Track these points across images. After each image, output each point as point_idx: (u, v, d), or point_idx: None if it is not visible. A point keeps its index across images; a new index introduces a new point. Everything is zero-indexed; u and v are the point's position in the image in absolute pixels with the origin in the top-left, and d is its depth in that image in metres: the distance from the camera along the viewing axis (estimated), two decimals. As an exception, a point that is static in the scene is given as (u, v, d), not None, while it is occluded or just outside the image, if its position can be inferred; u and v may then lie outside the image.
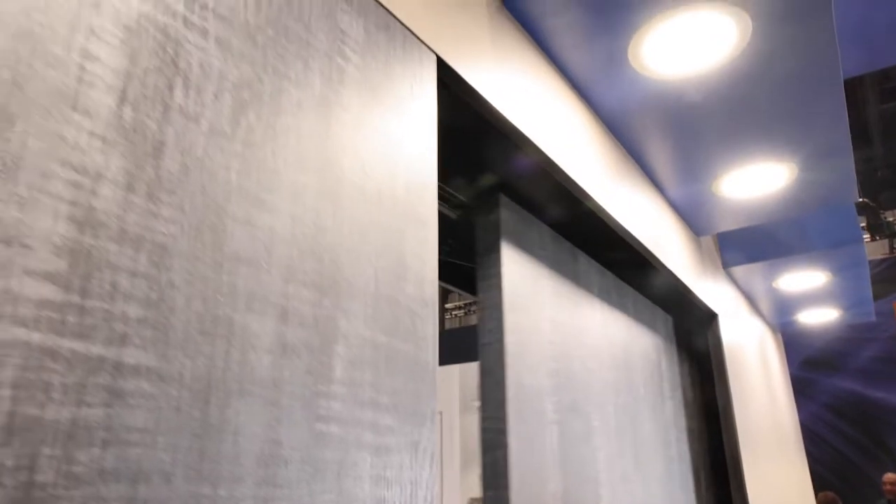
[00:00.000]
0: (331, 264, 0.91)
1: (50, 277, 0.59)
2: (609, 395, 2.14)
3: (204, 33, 0.81)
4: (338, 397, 0.87)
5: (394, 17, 1.21)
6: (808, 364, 9.60)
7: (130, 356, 0.64)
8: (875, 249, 10.33)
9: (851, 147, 2.54)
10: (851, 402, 9.26)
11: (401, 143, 1.13)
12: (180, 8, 0.79)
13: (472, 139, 1.56)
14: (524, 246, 1.82)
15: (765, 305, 4.77)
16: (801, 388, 9.36)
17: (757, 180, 2.72)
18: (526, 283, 1.76)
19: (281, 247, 0.84)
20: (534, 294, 1.79)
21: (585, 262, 2.29)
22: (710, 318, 3.36)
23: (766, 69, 1.99)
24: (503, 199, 1.78)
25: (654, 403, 2.54)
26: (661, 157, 2.51)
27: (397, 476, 0.94)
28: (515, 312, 1.67)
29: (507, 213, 1.78)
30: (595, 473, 1.91)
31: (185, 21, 0.79)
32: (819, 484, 8.88)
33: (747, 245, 3.79)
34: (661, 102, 2.15)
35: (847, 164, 2.61)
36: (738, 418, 3.25)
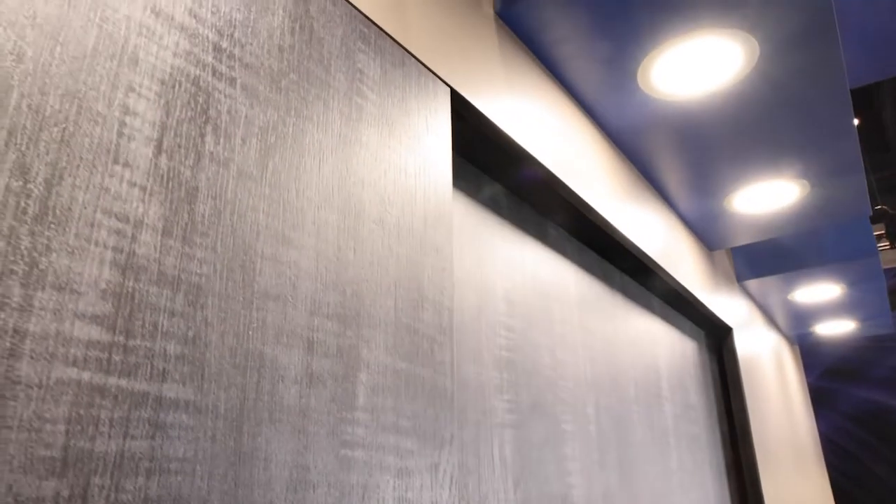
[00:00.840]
0: (353, 296, 0.96)
1: (97, 320, 0.64)
2: (587, 394, 1.89)
3: (232, 82, 0.86)
4: (361, 423, 0.92)
5: (409, 53, 1.26)
6: (830, 374, 9.54)
7: (170, 390, 0.68)
8: (894, 258, 10.25)
9: (863, 164, 2.57)
10: (874, 412, 9.19)
11: (417, 176, 1.18)
12: (209, 59, 0.84)
13: (485, 163, 1.60)
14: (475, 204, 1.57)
15: (781, 318, 4.77)
16: (823, 398, 9.31)
17: (769, 196, 2.75)
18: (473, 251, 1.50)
19: (306, 281, 0.89)
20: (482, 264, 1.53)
21: (556, 234, 1.99)
22: (725, 332, 3.38)
23: (773, 91, 2.03)
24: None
25: (649, 406, 2.31)
26: (672, 174, 2.55)
27: (418, 497, 0.98)
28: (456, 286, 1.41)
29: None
30: (565, 489, 1.64)
31: (214, 71, 0.84)
32: (841, 495, 8.82)
33: (761, 258, 3.81)
34: (671, 122, 2.19)
35: (859, 181, 2.63)
36: (755, 432, 3.26)
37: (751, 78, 1.97)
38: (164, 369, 0.68)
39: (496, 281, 1.50)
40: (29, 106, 0.64)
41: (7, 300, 0.58)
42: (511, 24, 1.70)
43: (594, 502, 1.79)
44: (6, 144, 0.61)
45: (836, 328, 5.06)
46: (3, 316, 0.57)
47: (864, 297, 4.35)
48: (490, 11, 1.63)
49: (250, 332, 0.79)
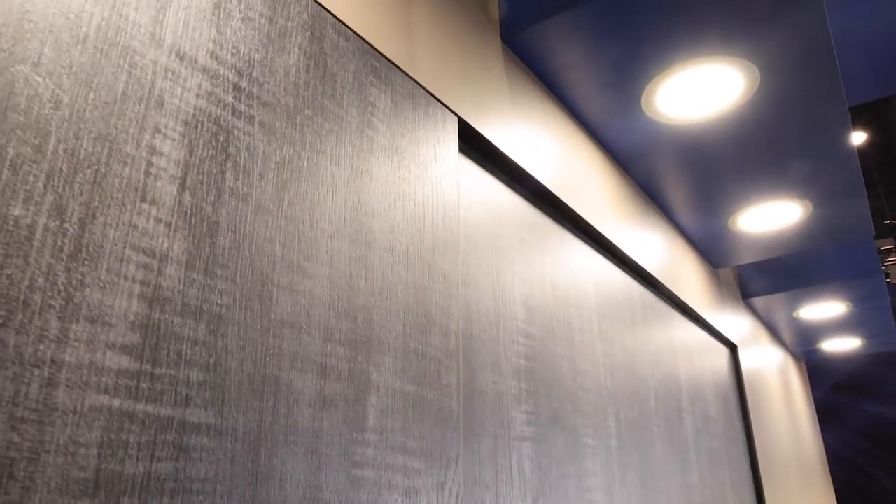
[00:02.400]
0: (363, 323, 1.01)
1: (126, 350, 0.68)
2: (608, 405, 1.87)
3: (250, 119, 0.91)
4: (371, 444, 0.96)
5: (418, 84, 1.31)
6: (839, 389, 9.51)
7: (193, 415, 0.73)
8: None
9: (864, 187, 2.61)
10: (884, 427, 9.15)
11: (426, 204, 1.23)
12: (230, 99, 0.89)
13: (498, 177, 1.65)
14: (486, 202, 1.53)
15: (787, 335, 4.80)
16: (832, 413, 9.28)
17: (773, 216, 2.79)
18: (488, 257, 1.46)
19: (319, 309, 0.93)
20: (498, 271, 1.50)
21: (575, 241, 1.95)
22: (730, 349, 3.41)
23: (774, 115, 2.07)
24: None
25: (670, 418, 2.30)
26: (677, 195, 2.59)
27: (425, 516, 1.03)
28: (468, 286, 1.38)
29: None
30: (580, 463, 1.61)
31: (234, 110, 0.89)
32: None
33: (767, 276, 3.84)
34: (675, 145, 2.23)
35: (861, 203, 2.67)
36: (759, 449, 3.29)
37: (752, 103, 2.01)
38: (187, 395, 0.73)
39: (514, 286, 1.52)
40: (65, 150, 0.68)
41: (46, 333, 0.62)
42: (517, 51, 1.75)
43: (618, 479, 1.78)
44: (45, 187, 0.66)
45: (842, 345, 5.08)
46: (42, 348, 0.62)
47: (869, 315, 4.38)
48: (497, 39, 1.67)
49: (267, 359, 0.83)
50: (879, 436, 9.41)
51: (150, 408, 0.69)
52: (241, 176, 0.87)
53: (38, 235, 0.64)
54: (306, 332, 0.90)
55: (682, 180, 2.47)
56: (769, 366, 4.22)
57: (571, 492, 1.54)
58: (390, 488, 0.98)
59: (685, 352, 2.64)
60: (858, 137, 6.93)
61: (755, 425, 3.34)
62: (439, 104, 1.36)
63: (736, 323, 3.51)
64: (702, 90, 1.94)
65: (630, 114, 2.06)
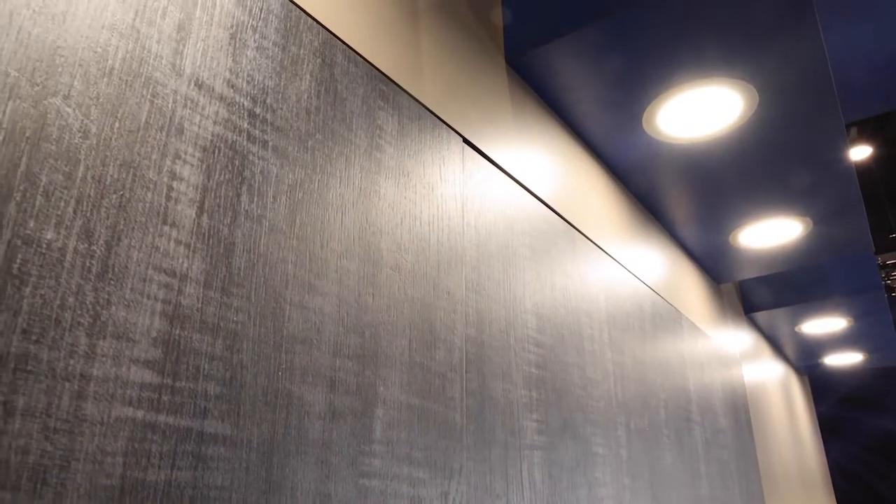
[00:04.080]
0: (371, 338, 1.05)
1: (149, 364, 0.73)
2: (617, 415, 1.88)
3: (264, 144, 0.96)
4: (378, 455, 1.00)
5: (424, 107, 1.35)
6: (845, 402, 9.50)
7: (210, 426, 0.77)
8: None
9: (863, 205, 2.65)
10: (888, 440, 9.14)
11: (431, 223, 1.27)
12: (245, 125, 0.94)
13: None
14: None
15: (789, 349, 4.83)
16: (838, 427, 9.26)
17: (773, 232, 2.83)
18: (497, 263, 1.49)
19: (329, 325, 0.98)
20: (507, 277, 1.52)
21: (586, 248, 1.96)
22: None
23: (773, 135, 2.11)
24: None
25: (679, 429, 2.30)
26: (678, 212, 2.64)
27: (430, 525, 1.07)
28: (479, 294, 1.40)
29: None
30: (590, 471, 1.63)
31: (249, 136, 0.94)
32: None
33: (769, 291, 3.88)
34: (676, 163, 2.28)
35: (860, 221, 2.71)
36: (761, 462, 3.31)
37: (750, 123, 2.06)
38: (205, 407, 0.77)
39: (525, 295, 1.55)
40: (93, 177, 0.73)
41: (76, 349, 0.67)
42: (521, 72, 1.80)
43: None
44: (74, 212, 0.70)
45: (846, 360, 5.10)
46: (72, 363, 0.66)
47: (871, 330, 4.40)
48: (501, 61, 1.72)
49: (280, 373, 0.88)
50: (883, 449, 9.39)
51: (170, 419, 0.73)
52: (255, 198, 0.92)
53: (69, 258, 0.69)
54: (317, 348, 0.94)
55: (684, 197, 2.52)
56: (772, 380, 4.25)
57: (582, 501, 1.56)
58: (396, 497, 1.02)
59: (694, 362, 2.66)
60: (863, 152, 6.95)
61: (757, 440, 3.37)
62: (445, 126, 1.41)
63: (738, 337, 3.54)
64: (702, 110, 1.98)
65: (632, 133, 2.10)
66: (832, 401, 9.55)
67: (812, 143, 2.16)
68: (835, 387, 9.45)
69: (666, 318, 2.49)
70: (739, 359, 3.44)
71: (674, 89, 1.89)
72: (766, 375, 4.11)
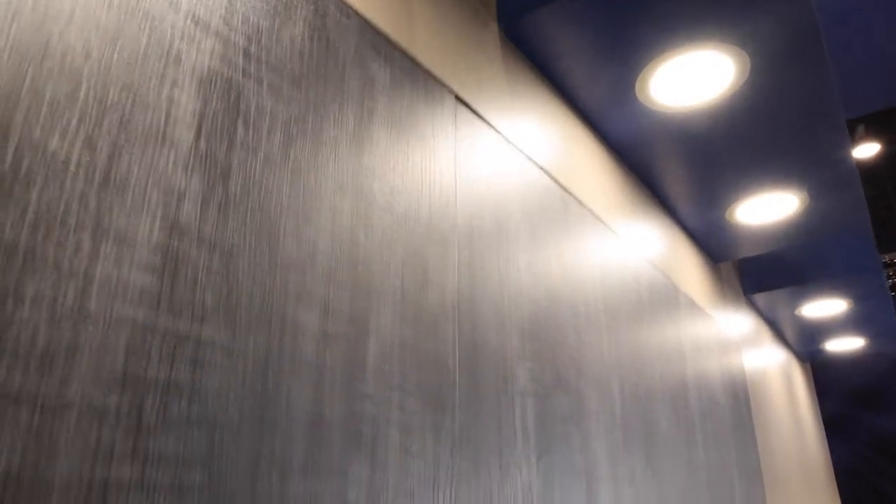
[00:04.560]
0: (363, 273, 1.09)
1: (149, 269, 0.77)
2: (612, 377, 1.90)
3: (259, 81, 1.00)
4: (370, 382, 1.04)
5: (416, 62, 1.39)
6: (851, 399, 9.47)
7: (207, 335, 0.81)
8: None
9: (859, 178, 2.68)
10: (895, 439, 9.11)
11: (423, 172, 1.31)
12: (240, 61, 0.98)
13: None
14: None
15: (790, 333, 4.85)
16: (843, 425, 9.24)
17: (770, 207, 2.86)
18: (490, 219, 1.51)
19: (322, 257, 1.02)
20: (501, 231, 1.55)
21: (578, 209, 1.98)
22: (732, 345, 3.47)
23: (766, 103, 2.15)
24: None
25: (675, 395, 2.30)
26: (674, 185, 2.67)
27: (421, 451, 1.10)
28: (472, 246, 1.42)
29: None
30: (589, 467, 1.64)
31: (244, 72, 0.98)
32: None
33: (768, 272, 3.90)
34: (669, 133, 2.31)
35: (856, 194, 2.74)
36: (762, 450, 3.34)
37: (743, 91, 2.09)
38: (202, 316, 0.81)
39: (518, 253, 1.56)
40: (94, 96, 0.77)
41: (80, 249, 0.71)
42: (514, 37, 1.84)
43: (621, 484, 1.80)
44: (77, 126, 0.74)
45: (847, 345, 5.12)
46: (76, 261, 0.70)
47: (871, 313, 4.42)
48: (495, 27, 1.76)
49: (274, 293, 0.92)
50: (890, 447, 9.36)
51: (169, 323, 0.77)
52: (250, 130, 0.96)
53: (72, 167, 0.73)
54: (310, 275, 0.98)
55: (679, 170, 2.55)
56: (772, 365, 4.27)
57: (575, 451, 1.59)
58: (388, 423, 1.06)
59: (692, 341, 2.69)
60: (871, 149, 6.95)
61: (757, 425, 3.40)
62: (437, 82, 1.45)
63: (737, 320, 3.57)
64: (694, 77, 2.02)
65: (625, 101, 2.14)
66: (838, 398, 9.52)
67: (805, 112, 2.19)
68: (841, 383, 9.43)
69: (663, 292, 2.52)
70: (736, 338, 3.47)
71: (667, 54, 1.93)
72: (767, 359, 4.13)
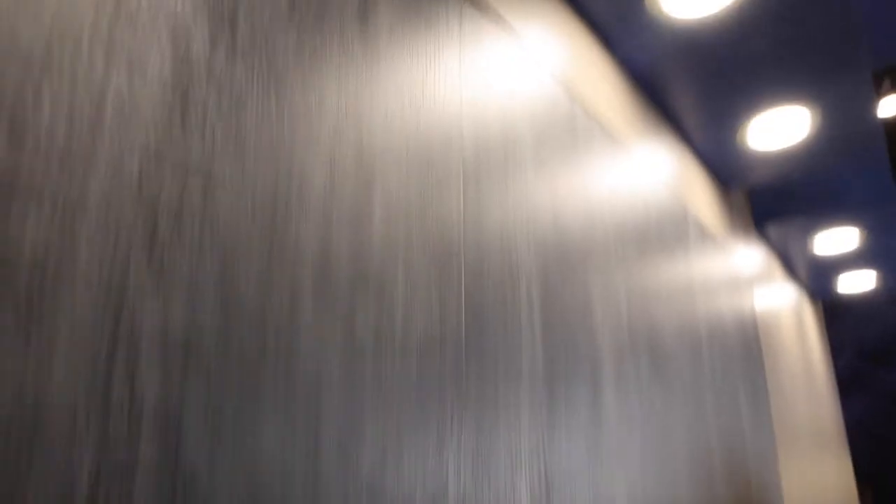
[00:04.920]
0: (368, 144, 1.12)
1: (161, 103, 0.80)
2: (613, 264, 1.88)
3: (265, -56, 1.02)
4: (377, 232, 1.08)
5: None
6: (866, 353, 9.44)
7: (218, 170, 0.85)
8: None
9: (874, 93, 2.66)
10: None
11: (432, 84, 1.34)
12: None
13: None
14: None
15: (801, 267, 4.84)
16: (858, 379, 9.21)
17: (782, 128, 2.84)
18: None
19: (328, 117, 1.05)
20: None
21: (585, 119, 1.95)
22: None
23: (779, 11, 2.14)
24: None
25: (682, 307, 2.28)
26: (684, 100, 2.66)
27: (426, 298, 1.15)
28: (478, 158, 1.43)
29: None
30: (593, 352, 1.66)
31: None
32: (877, 483, 8.77)
33: (780, 201, 3.89)
34: (679, 45, 2.31)
35: (871, 110, 2.72)
36: (773, 398, 3.33)
37: (751, -2, 2.09)
38: (212, 152, 0.85)
39: (526, 167, 1.61)
40: (105, -69, 0.80)
41: (94, 67, 0.74)
42: (521, -57, 1.84)
43: (627, 378, 1.81)
44: (89, -45, 0.77)
45: (859, 280, 5.11)
46: (91, 76, 0.74)
47: (885, 245, 4.41)
48: (501, -69, 1.77)
49: (283, 141, 0.95)
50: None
51: (179, 155, 0.81)
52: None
53: (85, -5, 0.76)
54: (317, 128, 1.02)
55: (689, 83, 2.55)
56: (782, 302, 4.28)
57: (582, 332, 1.62)
58: (395, 267, 1.10)
59: (700, 262, 2.67)
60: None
61: (768, 370, 3.39)
62: (443, -27, 1.46)
63: (748, 252, 3.57)
64: (701, -16, 2.02)
65: (635, 12, 2.14)
66: (852, 351, 9.48)
67: (820, 24, 2.18)
68: (856, 337, 9.37)
69: (672, 213, 2.51)
70: (748, 269, 3.47)
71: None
72: (777, 294, 4.14)
